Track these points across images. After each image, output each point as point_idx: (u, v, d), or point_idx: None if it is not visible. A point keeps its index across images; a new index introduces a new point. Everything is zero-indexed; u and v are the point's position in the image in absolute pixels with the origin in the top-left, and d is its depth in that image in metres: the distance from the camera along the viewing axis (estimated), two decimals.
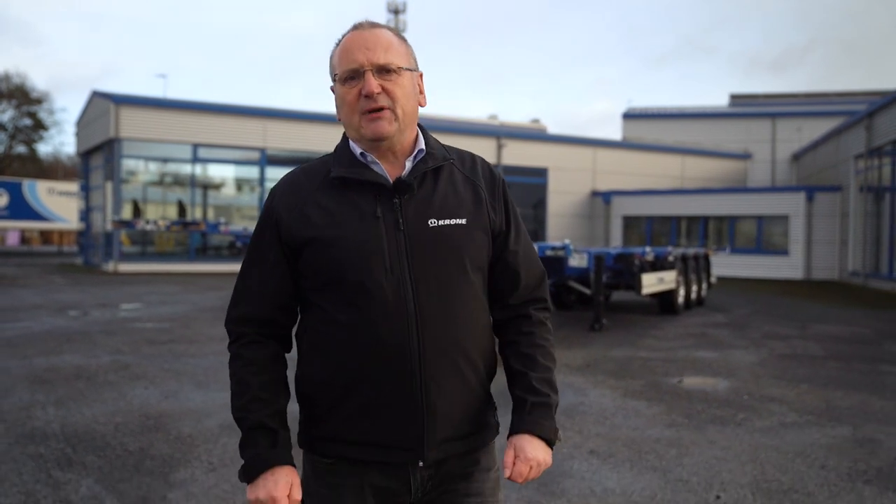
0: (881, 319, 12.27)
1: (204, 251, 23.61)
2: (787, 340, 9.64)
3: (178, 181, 23.94)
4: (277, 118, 23.71)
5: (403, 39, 1.57)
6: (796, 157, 31.69)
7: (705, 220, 25.51)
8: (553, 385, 1.60)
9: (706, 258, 14.82)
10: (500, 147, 26.52)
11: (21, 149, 48.41)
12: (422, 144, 1.57)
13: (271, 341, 1.57)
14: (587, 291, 11.07)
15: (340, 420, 1.49)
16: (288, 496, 1.47)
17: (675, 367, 7.57)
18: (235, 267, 16.51)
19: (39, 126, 47.75)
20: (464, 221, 1.52)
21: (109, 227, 21.70)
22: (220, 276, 20.60)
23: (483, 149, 25.83)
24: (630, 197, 27.14)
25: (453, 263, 1.51)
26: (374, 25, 1.55)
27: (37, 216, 35.90)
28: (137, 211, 23.14)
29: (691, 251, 13.74)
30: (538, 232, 26.88)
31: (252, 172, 24.18)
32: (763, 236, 24.00)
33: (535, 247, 1.80)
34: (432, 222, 1.50)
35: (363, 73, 1.48)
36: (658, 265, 11.85)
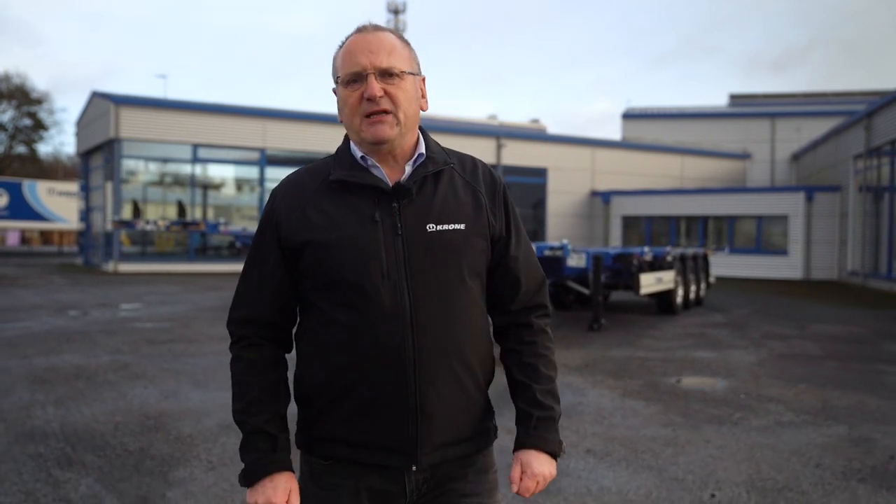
0: (880, 319, 12.29)
1: (204, 251, 23.64)
2: (785, 340, 9.66)
3: (178, 181, 23.97)
4: (277, 118, 23.74)
5: (407, 43, 1.57)
6: (795, 157, 31.72)
7: (704, 220, 25.54)
8: (556, 395, 1.62)
9: (705, 258, 14.85)
10: (499, 147, 26.55)
11: (21, 149, 48.45)
12: (422, 148, 1.57)
13: (271, 343, 1.58)
14: (586, 291, 11.10)
15: (337, 421, 1.50)
16: (287, 502, 1.49)
17: (674, 367, 7.60)
18: (235, 267, 16.69)
19: (39, 126, 47.79)
20: (462, 227, 1.52)
21: (109, 227, 21.73)
22: (219, 276, 20.63)
23: (482, 149, 25.86)
24: (629, 197, 27.16)
25: (451, 268, 1.51)
26: (377, 28, 1.55)
27: (37, 216, 35.93)
28: (137, 211, 23.17)
29: (690, 251, 13.76)
30: (538, 232, 26.91)
31: (252, 172, 24.20)
32: (762, 236, 24.02)
33: (534, 247, 1.80)
34: (431, 227, 1.50)
35: (366, 77, 1.48)
36: (656, 265, 11.88)
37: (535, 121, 36.10)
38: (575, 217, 27.95)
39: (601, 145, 29.26)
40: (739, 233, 24.71)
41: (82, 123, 26.94)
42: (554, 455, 1.59)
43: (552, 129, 37.08)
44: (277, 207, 1.55)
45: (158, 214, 23.75)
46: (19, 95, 45.36)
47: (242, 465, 1.54)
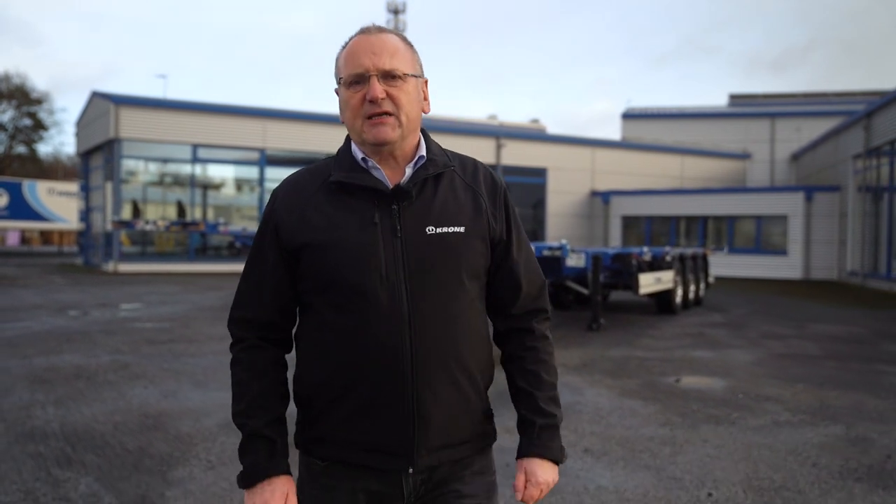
0: (879, 319, 12.31)
1: (204, 251, 23.67)
2: (784, 340, 9.68)
3: (178, 181, 23.99)
4: (277, 118, 23.76)
5: (410, 45, 1.57)
6: (795, 157, 31.74)
7: (704, 220, 25.55)
8: (557, 401, 1.64)
9: (704, 258, 14.87)
10: (499, 147, 26.56)
11: (21, 149, 48.48)
12: (423, 150, 1.56)
13: (271, 345, 1.59)
14: (585, 291, 11.11)
15: (335, 422, 1.51)
16: None
17: (672, 367, 7.61)
18: (235, 267, 16.70)
19: (39, 126, 47.83)
20: (462, 229, 1.52)
21: (109, 227, 21.75)
22: (219, 276, 20.66)
23: (482, 149, 25.88)
24: (629, 197, 27.18)
25: (450, 271, 1.51)
26: (381, 30, 1.54)
27: (37, 216, 35.95)
28: (137, 211, 23.20)
29: (689, 251, 13.78)
30: (537, 232, 26.93)
31: (252, 173, 24.22)
32: (762, 236, 24.04)
33: (533, 247, 1.79)
34: (430, 229, 1.50)
35: (368, 78, 1.48)
36: (656, 265, 11.89)
37: (535, 121, 36.12)
38: (575, 217, 27.97)
39: (601, 145, 29.28)
40: (739, 233, 24.73)
41: (82, 123, 26.95)
42: (556, 462, 1.61)
43: (552, 129, 37.13)
44: (277, 208, 1.56)
45: (158, 214, 23.77)
46: (19, 95, 45.40)
47: (241, 467, 1.55)
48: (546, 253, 10.76)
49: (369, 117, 1.49)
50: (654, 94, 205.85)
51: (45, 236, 52.42)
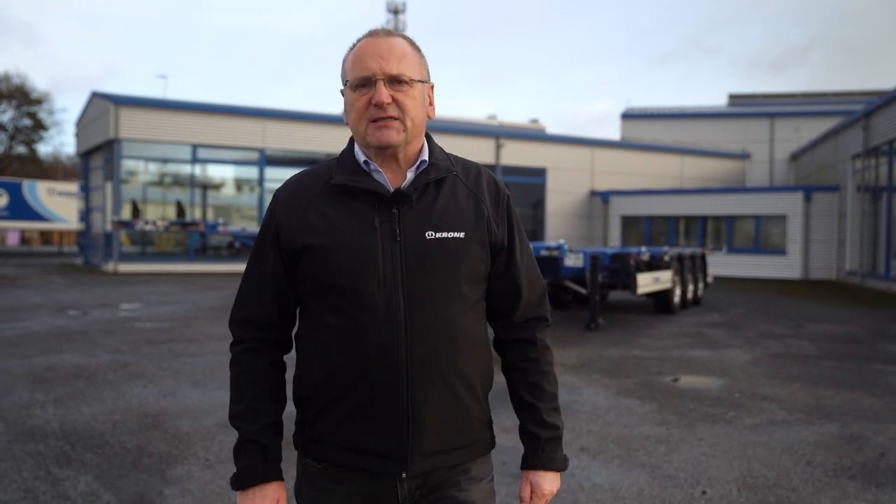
0: (876, 319, 12.34)
1: (203, 251, 23.72)
2: (781, 339, 9.71)
3: (178, 182, 24.03)
4: (276, 118, 23.79)
5: (418, 50, 1.57)
6: (794, 157, 31.77)
7: (704, 219, 25.58)
8: (559, 410, 1.66)
9: (702, 258, 14.89)
10: (498, 147, 26.59)
11: (21, 149, 48.51)
12: (425, 155, 1.56)
13: (269, 346, 1.60)
14: (583, 291, 11.14)
15: (331, 425, 1.52)
16: None
17: (669, 367, 7.64)
18: (234, 267, 16.71)
19: (39, 126, 47.86)
20: (462, 235, 1.52)
21: (109, 227, 21.78)
22: (219, 276, 20.69)
23: (481, 149, 25.92)
24: (628, 197, 27.21)
25: (448, 277, 1.50)
26: (389, 34, 1.54)
27: (37, 216, 35.98)
28: (136, 211, 23.23)
29: (687, 251, 13.81)
30: (537, 232, 26.96)
31: (251, 173, 24.26)
32: (761, 236, 24.07)
33: (531, 248, 1.80)
34: (430, 234, 1.50)
35: (375, 82, 1.48)
36: (654, 265, 11.92)
37: (535, 121, 36.15)
38: (574, 217, 28.00)
39: (600, 145, 29.31)
40: (738, 233, 24.76)
41: (82, 124, 26.99)
42: (560, 471, 1.64)
43: (552, 129, 37.18)
44: (278, 210, 1.57)
45: (158, 215, 23.81)
46: (19, 95, 45.43)
47: (235, 470, 1.58)
48: (544, 253, 10.79)
49: (374, 121, 1.49)
50: (654, 94, 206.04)
51: (45, 236, 52.45)
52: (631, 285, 10.85)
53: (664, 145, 31.00)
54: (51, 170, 51.76)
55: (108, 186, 22.20)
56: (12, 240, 50.27)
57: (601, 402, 5.96)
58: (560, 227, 26.87)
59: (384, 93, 1.47)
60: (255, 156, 23.67)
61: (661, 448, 4.68)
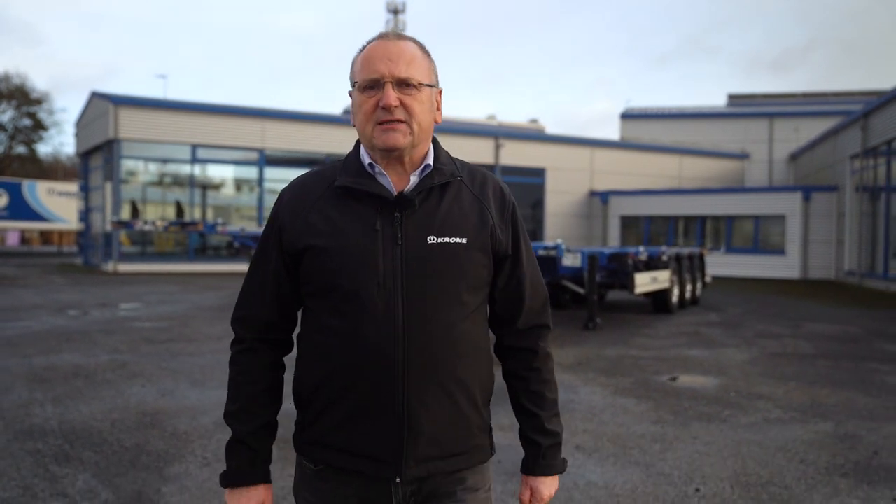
0: (874, 319, 12.37)
1: (203, 251, 23.76)
2: (779, 339, 9.74)
3: (178, 182, 24.06)
4: (276, 119, 23.83)
5: (428, 54, 1.57)
6: (793, 156, 31.79)
7: (703, 219, 25.61)
8: (559, 416, 1.67)
9: (701, 258, 14.92)
10: (497, 147, 26.62)
11: (21, 149, 48.54)
12: (430, 159, 1.56)
13: (269, 346, 1.61)
14: (581, 291, 11.17)
15: (328, 427, 1.53)
16: None
17: (666, 366, 7.67)
18: (234, 267, 16.68)
19: (39, 126, 47.89)
20: (464, 240, 1.51)
21: (109, 227, 21.81)
22: (219, 276, 20.73)
23: (481, 149, 25.96)
24: (628, 197, 27.24)
25: (449, 282, 1.50)
26: (399, 37, 1.54)
27: (37, 216, 36.00)
28: (136, 211, 23.26)
29: (686, 251, 13.84)
30: (536, 232, 26.99)
31: (251, 173, 24.29)
32: (760, 236, 24.10)
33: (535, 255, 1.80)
34: (431, 239, 1.49)
35: (383, 85, 1.48)
36: (652, 265, 11.95)
37: (534, 121, 36.18)
38: (573, 217, 28.03)
39: (600, 145, 29.34)
40: (737, 232, 24.79)
41: (82, 124, 27.02)
42: (559, 473, 1.67)
43: (552, 129, 37.21)
44: (282, 211, 1.57)
45: (158, 215, 23.83)
46: (19, 95, 45.46)
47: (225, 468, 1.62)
48: (541, 252, 10.82)
49: (381, 123, 1.49)
50: (654, 94, 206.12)
51: (45, 236, 52.48)
52: (629, 285, 10.88)
53: (663, 145, 31.03)
54: (51, 170, 51.80)
55: (108, 186, 22.24)
56: (12, 240, 50.31)
57: (597, 401, 5.99)
58: (559, 227, 26.91)
59: (392, 95, 1.47)
60: (254, 156, 23.70)
61: (656, 446, 4.71)
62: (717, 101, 68.48)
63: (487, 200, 1.59)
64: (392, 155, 1.51)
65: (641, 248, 12.11)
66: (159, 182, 24.41)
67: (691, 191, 26.91)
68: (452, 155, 1.66)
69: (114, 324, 10.35)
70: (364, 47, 1.55)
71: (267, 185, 23.96)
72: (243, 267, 21.17)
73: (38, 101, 46.77)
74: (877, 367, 7.68)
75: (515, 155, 26.86)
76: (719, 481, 4.05)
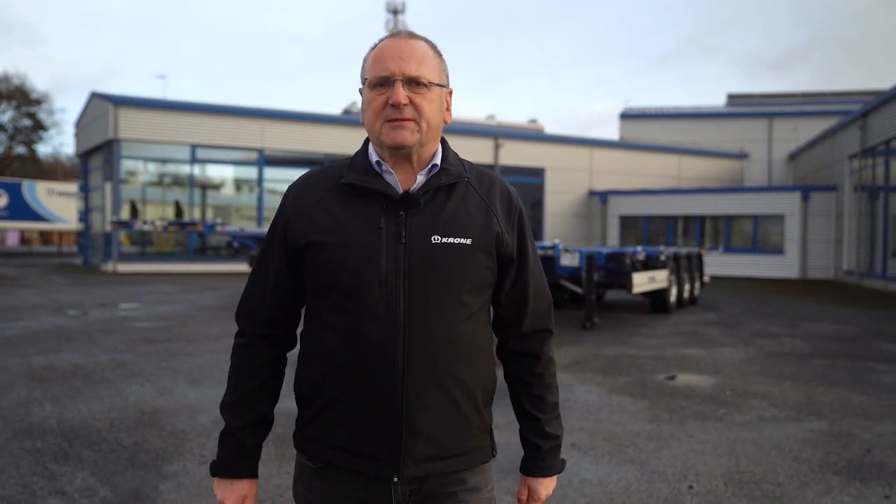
0: (872, 318, 12.40)
1: (203, 251, 23.79)
2: (776, 339, 9.77)
3: (177, 182, 24.09)
4: (275, 119, 23.86)
5: (439, 54, 1.57)
6: (792, 156, 31.83)
7: (702, 219, 25.64)
8: (560, 420, 1.69)
9: (699, 257, 14.95)
10: (497, 147, 26.65)
11: (21, 149, 48.59)
12: (438, 159, 1.56)
13: (270, 342, 1.62)
14: (579, 290, 11.20)
15: (327, 424, 1.53)
16: None
17: (663, 365, 7.70)
18: (233, 267, 16.72)
19: (39, 127, 47.95)
20: (469, 241, 1.51)
21: (108, 227, 21.85)
22: (218, 275, 20.76)
23: (480, 149, 25.99)
24: (627, 197, 27.27)
25: (452, 282, 1.50)
26: (411, 36, 1.55)
27: (36, 217, 36.04)
28: (135, 211, 23.29)
29: (684, 250, 13.87)
30: (535, 232, 26.95)
31: (250, 173, 24.32)
32: (759, 236, 24.14)
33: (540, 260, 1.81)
34: (435, 239, 1.49)
35: (393, 83, 1.48)
36: (650, 264, 11.98)
37: (534, 121, 36.20)
38: (572, 217, 28.06)
39: (599, 145, 29.37)
40: (736, 232, 24.82)
41: (81, 124, 27.06)
42: (557, 474, 1.69)
43: (552, 129, 37.26)
44: (288, 207, 1.58)
45: (157, 215, 23.87)
46: (19, 96, 45.52)
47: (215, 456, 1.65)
48: (539, 252, 10.84)
49: (389, 120, 1.49)
50: (654, 94, 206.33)
51: (45, 236, 52.52)
52: (626, 285, 10.91)
53: (662, 145, 31.06)
54: (50, 170, 51.84)
55: (108, 187, 22.27)
56: (12, 240, 50.34)
57: (594, 400, 6.02)
58: (558, 227, 26.94)
59: (401, 93, 1.47)
60: (253, 156, 23.73)
61: (651, 444, 4.74)
62: (717, 101, 68.53)
63: (494, 203, 1.59)
64: (400, 153, 1.51)
65: (639, 248, 12.14)
66: (159, 182, 24.44)
67: (690, 191, 26.94)
68: None
69: (113, 323, 10.38)
70: (376, 45, 1.55)
71: (266, 185, 24.00)
72: (243, 267, 21.21)
73: (38, 102, 46.85)
74: (873, 366, 7.71)
75: (515, 155, 26.89)
76: (713, 479, 4.08)
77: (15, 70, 71.88)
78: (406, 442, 1.48)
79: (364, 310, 1.47)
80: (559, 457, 1.69)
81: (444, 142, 1.60)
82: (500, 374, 1.67)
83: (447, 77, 1.59)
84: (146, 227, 19.19)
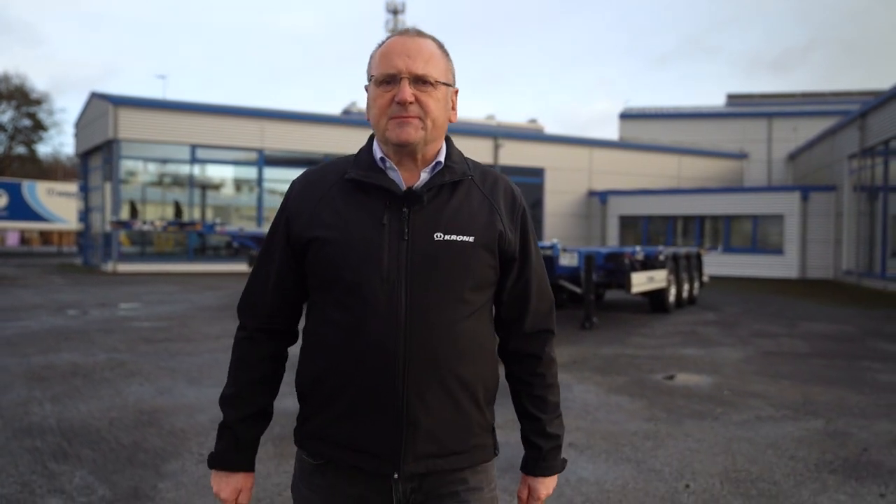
0: (871, 318, 12.41)
1: (202, 251, 23.82)
2: (774, 338, 9.78)
3: (177, 182, 24.12)
4: (275, 119, 23.88)
5: (446, 53, 1.57)
6: (792, 156, 31.85)
7: (701, 219, 25.66)
8: (561, 420, 1.69)
9: (698, 257, 14.97)
10: (496, 147, 26.67)
11: (21, 149, 48.61)
12: (441, 157, 1.56)
13: (269, 336, 1.62)
14: (578, 290, 11.21)
15: (327, 421, 1.53)
16: (236, 500, 1.61)
17: (661, 365, 7.72)
18: (233, 267, 16.74)
19: (39, 127, 47.97)
20: (471, 239, 1.51)
21: (108, 227, 21.87)
22: (218, 275, 20.78)
23: (480, 149, 25.99)
24: (626, 197, 27.29)
25: (454, 279, 1.50)
26: (419, 34, 1.55)
27: (36, 217, 36.06)
28: (134, 211, 23.31)
29: (682, 250, 13.88)
30: (535, 232, 26.96)
31: (250, 173, 24.34)
32: (758, 236, 24.16)
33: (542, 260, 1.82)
34: (438, 236, 1.49)
35: (399, 80, 1.48)
36: (648, 264, 11.99)
37: (533, 121, 36.24)
38: (572, 217, 28.07)
39: (598, 145, 29.39)
40: (736, 232, 24.84)
41: (81, 124, 27.08)
42: (558, 473, 1.70)
43: (552, 129, 37.30)
44: (291, 202, 1.58)
45: (157, 215, 23.89)
46: (19, 96, 45.54)
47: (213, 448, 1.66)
48: None
49: (394, 118, 1.49)
50: (654, 94, 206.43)
51: (45, 237, 52.55)
52: (625, 284, 10.93)
53: (662, 145, 31.08)
54: (50, 170, 51.87)
55: (108, 187, 22.29)
56: (12, 240, 50.36)
57: (591, 399, 6.04)
58: (558, 227, 26.95)
59: (408, 91, 1.48)
60: (253, 156, 23.75)
61: (647, 443, 4.76)
62: (717, 101, 68.56)
63: (497, 201, 1.59)
64: (405, 150, 1.51)
65: (638, 248, 12.16)
66: (159, 182, 24.46)
67: (690, 191, 26.96)
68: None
69: (113, 323, 10.40)
70: (383, 42, 1.55)
71: (266, 185, 24.02)
72: (242, 267, 21.22)
73: (38, 102, 46.88)
74: (870, 366, 7.73)
75: (514, 155, 26.90)
76: (709, 477, 4.10)
77: (15, 70, 72.01)
78: (406, 438, 1.48)
79: (365, 306, 1.47)
80: (560, 456, 1.69)
81: (448, 140, 1.61)
82: (501, 373, 1.66)
83: (453, 76, 1.59)
84: (146, 227, 19.22)
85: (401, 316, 1.46)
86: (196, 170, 23.85)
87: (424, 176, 1.54)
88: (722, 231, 25.01)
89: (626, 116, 37.08)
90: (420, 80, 1.49)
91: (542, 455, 1.65)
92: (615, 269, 11.48)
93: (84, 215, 26.97)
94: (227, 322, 10.56)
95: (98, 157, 24.53)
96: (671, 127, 35.11)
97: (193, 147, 22.94)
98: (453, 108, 1.59)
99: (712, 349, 8.79)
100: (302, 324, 1.65)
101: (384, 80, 1.50)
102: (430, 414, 1.49)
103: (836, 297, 16.32)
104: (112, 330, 9.71)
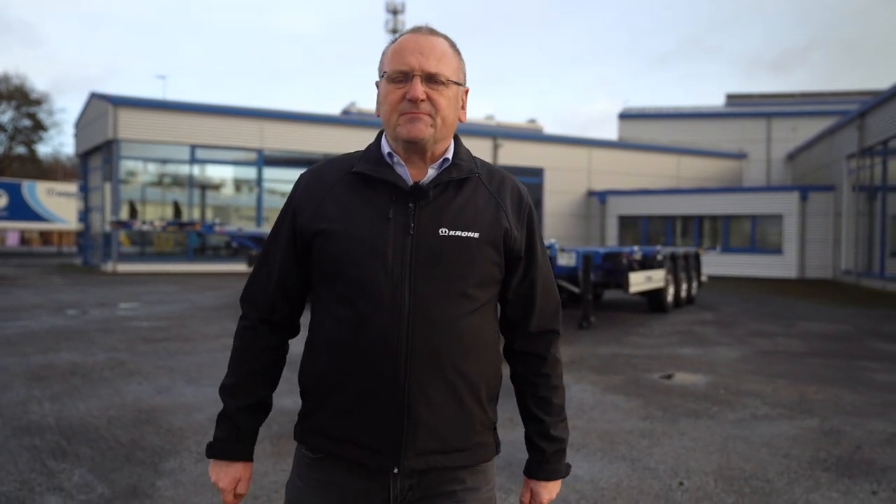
0: (868, 318, 12.45)
1: (202, 251, 23.85)
2: (771, 338, 9.81)
3: (177, 182, 24.15)
4: (274, 119, 23.91)
5: (458, 53, 1.58)
6: (791, 156, 31.87)
7: (700, 219, 25.69)
8: (566, 423, 1.68)
9: (696, 257, 15.00)
10: (496, 147, 26.70)
11: (21, 150, 48.64)
12: (449, 154, 1.57)
13: (271, 328, 1.63)
14: (576, 290, 11.24)
15: (328, 415, 1.53)
16: (234, 490, 1.63)
17: (658, 364, 7.75)
18: (233, 267, 16.78)
19: (39, 127, 48.00)
20: (476, 235, 1.51)
21: (108, 227, 21.90)
22: (217, 275, 20.81)
23: (479, 149, 26.01)
24: (626, 197, 27.32)
25: (458, 275, 1.50)
26: (432, 32, 1.56)
27: (36, 217, 36.10)
28: (134, 212, 23.34)
29: (681, 250, 13.91)
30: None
31: (250, 173, 24.38)
32: (757, 235, 24.19)
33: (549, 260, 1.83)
34: (443, 231, 1.49)
35: (412, 78, 1.49)
36: (647, 264, 12.02)
37: (533, 121, 36.26)
38: (571, 217, 28.10)
39: (598, 145, 29.42)
40: (735, 232, 24.88)
41: (81, 124, 27.11)
42: (562, 478, 1.68)
43: (552, 129, 37.34)
44: (298, 195, 1.59)
45: (157, 215, 23.92)
46: (19, 96, 45.58)
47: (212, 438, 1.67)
48: None
49: (404, 114, 1.50)
50: (654, 94, 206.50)
51: (45, 237, 52.59)
52: (623, 284, 10.96)
53: (661, 145, 31.11)
54: (50, 170, 51.91)
55: (107, 187, 22.32)
56: (12, 240, 50.40)
57: (588, 398, 6.07)
58: (557, 227, 26.98)
59: (419, 89, 1.48)
60: (253, 156, 23.78)
61: (643, 442, 4.79)
62: (716, 101, 68.58)
63: (504, 199, 1.59)
64: (414, 147, 1.52)
65: (636, 248, 12.19)
66: (158, 182, 24.50)
67: (689, 191, 26.99)
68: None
69: (112, 323, 10.43)
70: (396, 39, 1.57)
71: (265, 185, 24.06)
72: (242, 267, 21.25)
73: (38, 102, 46.91)
74: (866, 365, 7.76)
75: (513, 155, 26.93)
76: (703, 475, 4.13)
77: (15, 70, 72.09)
78: (407, 434, 1.48)
79: (368, 300, 1.47)
80: (564, 461, 1.68)
81: (456, 138, 1.62)
82: (505, 373, 1.65)
83: (464, 76, 1.60)
84: (145, 228, 19.24)
85: (404, 311, 1.47)
86: (196, 170, 23.89)
87: (431, 172, 1.55)
88: (721, 231, 25.04)
89: (626, 116, 37.11)
90: (432, 79, 1.50)
91: (545, 458, 1.64)
92: (613, 269, 11.52)
93: (84, 215, 27.01)
94: (225, 322, 10.59)
95: (98, 157, 24.56)
96: (670, 127, 35.14)
97: (193, 147, 22.98)
98: (463, 108, 1.61)
99: (709, 349, 8.82)
100: (306, 319, 1.66)
101: (396, 76, 1.51)
102: (433, 410, 1.49)
103: (834, 297, 16.35)
104: (111, 330, 9.75)
